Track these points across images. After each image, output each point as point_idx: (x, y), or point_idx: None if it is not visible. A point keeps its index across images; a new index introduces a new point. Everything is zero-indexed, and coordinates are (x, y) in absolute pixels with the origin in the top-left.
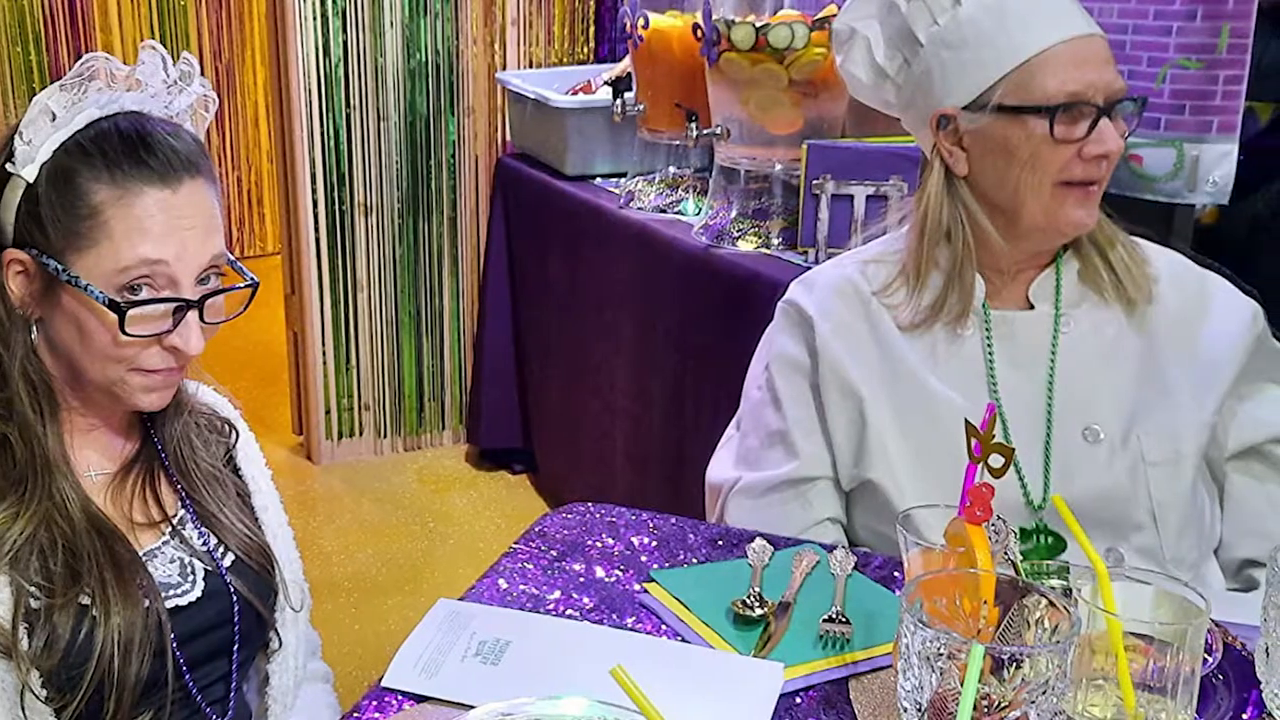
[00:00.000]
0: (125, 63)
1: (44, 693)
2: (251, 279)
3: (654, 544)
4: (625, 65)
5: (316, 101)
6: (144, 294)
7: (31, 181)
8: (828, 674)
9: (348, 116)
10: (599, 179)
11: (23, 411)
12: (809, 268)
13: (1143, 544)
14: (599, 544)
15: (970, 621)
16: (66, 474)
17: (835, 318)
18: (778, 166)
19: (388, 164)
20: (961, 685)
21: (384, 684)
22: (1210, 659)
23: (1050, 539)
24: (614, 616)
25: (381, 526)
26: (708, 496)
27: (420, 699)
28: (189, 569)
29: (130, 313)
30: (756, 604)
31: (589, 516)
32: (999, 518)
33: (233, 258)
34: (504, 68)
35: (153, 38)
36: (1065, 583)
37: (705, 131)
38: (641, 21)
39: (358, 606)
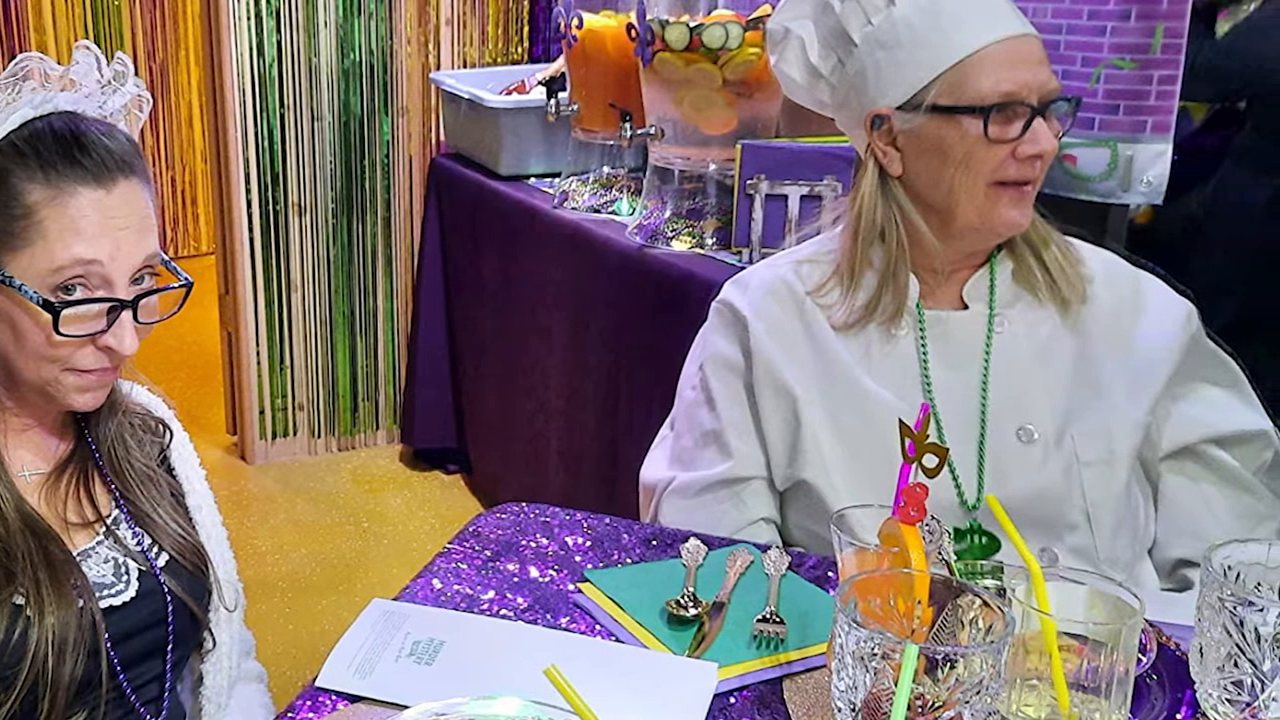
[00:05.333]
0: (59, 63)
1: None
2: (185, 279)
3: (588, 544)
4: (559, 65)
5: (250, 101)
6: (78, 294)
7: None
8: (762, 674)
9: (282, 116)
10: (533, 179)
11: None
12: (743, 268)
13: (1077, 544)
14: (533, 544)
15: (904, 621)
16: (0, 474)
17: (769, 318)
18: (712, 166)
19: (322, 164)
20: (896, 685)
21: (318, 684)
22: (1144, 659)
23: (984, 539)
24: (548, 616)
25: (315, 526)
26: (642, 496)
27: (354, 699)
28: (123, 569)
29: (64, 313)
30: (690, 604)
31: (523, 516)
32: (933, 518)
33: (167, 257)
34: (438, 68)
35: (87, 38)
36: (999, 583)
37: (639, 131)
38: (575, 21)
39: (292, 606)
